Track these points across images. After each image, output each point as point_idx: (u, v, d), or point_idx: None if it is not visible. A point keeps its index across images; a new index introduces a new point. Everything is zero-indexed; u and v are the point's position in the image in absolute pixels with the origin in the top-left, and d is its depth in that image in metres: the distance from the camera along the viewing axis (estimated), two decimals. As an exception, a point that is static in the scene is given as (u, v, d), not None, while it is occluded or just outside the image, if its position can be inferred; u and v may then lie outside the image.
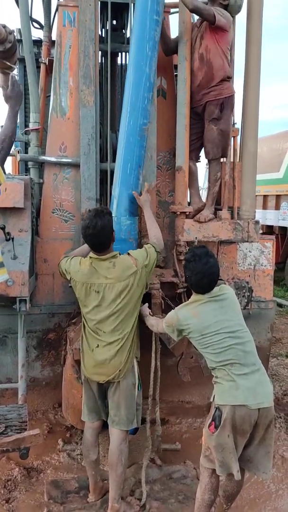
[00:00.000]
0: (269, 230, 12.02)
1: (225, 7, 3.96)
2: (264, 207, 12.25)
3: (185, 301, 4.01)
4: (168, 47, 4.16)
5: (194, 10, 3.81)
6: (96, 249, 3.21)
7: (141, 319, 3.43)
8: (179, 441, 4.10)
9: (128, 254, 3.28)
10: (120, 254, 3.26)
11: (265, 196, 12.23)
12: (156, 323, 3.27)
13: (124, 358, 3.19)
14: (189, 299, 3.07)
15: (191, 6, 3.75)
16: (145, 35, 3.61)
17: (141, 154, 3.71)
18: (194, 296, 3.02)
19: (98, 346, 3.19)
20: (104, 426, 3.44)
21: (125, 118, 3.67)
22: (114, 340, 3.17)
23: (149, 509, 3.28)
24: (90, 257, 3.23)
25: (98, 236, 3.14)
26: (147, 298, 3.77)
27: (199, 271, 2.93)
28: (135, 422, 3.30)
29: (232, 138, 4.43)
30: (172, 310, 3.12)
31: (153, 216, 3.67)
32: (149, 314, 3.49)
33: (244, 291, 3.92)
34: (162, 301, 3.83)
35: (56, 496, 3.39)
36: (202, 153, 4.38)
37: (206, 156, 4.17)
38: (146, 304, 3.59)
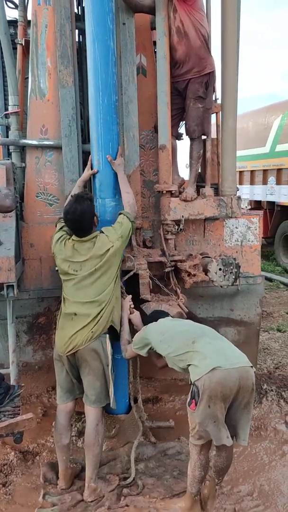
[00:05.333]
0: (257, 205, 12.02)
1: None
2: (252, 182, 12.22)
3: (173, 280, 4.04)
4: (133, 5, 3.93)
5: None
6: (76, 233, 3.34)
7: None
8: (172, 418, 4.13)
9: (102, 232, 3.38)
10: (100, 233, 3.36)
11: (252, 172, 12.19)
12: (124, 348, 3.47)
13: (97, 321, 3.26)
14: None
15: None
16: (105, 7, 3.45)
17: (118, 131, 3.69)
18: None
19: (76, 314, 3.28)
20: None
21: (97, 97, 3.54)
22: (92, 308, 3.27)
23: (143, 486, 3.32)
24: (73, 239, 3.34)
25: (78, 221, 3.28)
26: (134, 278, 3.78)
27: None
28: (112, 401, 3.35)
29: (215, 114, 4.41)
30: None
31: (126, 180, 3.69)
32: (130, 307, 3.57)
33: (231, 267, 3.90)
34: (150, 281, 3.84)
35: (52, 477, 3.43)
36: (182, 130, 4.34)
37: (191, 134, 4.10)
38: (129, 297, 3.63)
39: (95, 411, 3.32)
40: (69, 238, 3.37)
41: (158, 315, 3.46)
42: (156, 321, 3.35)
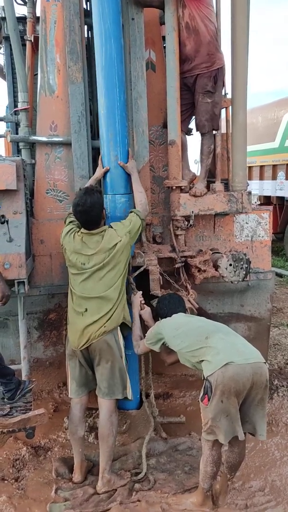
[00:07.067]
0: (266, 200, 11.96)
1: None
2: (261, 177, 12.16)
3: (183, 276, 4.03)
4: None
5: None
6: (86, 226, 3.36)
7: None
8: (183, 413, 4.15)
9: (111, 226, 3.40)
10: (109, 227, 3.38)
11: (261, 167, 12.12)
12: (137, 344, 3.49)
13: (109, 317, 3.29)
14: None
15: None
16: (118, 5, 3.48)
17: (128, 128, 3.74)
18: None
19: (86, 310, 3.30)
20: None
21: (113, 93, 3.55)
22: (102, 303, 3.29)
23: (155, 482, 3.33)
24: (82, 232, 3.37)
25: (88, 213, 3.31)
26: (144, 274, 3.78)
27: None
28: (126, 391, 3.38)
29: (225, 109, 4.38)
30: None
31: (139, 180, 3.72)
32: (141, 303, 3.59)
33: (242, 263, 3.89)
34: (160, 277, 3.83)
35: (63, 472, 3.46)
36: (192, 126, 4.32)
37: (201, 129, 4.08)
38: (140, 293, 3.65)
39: (108, 402, 3.34)
40: (78, 231, 3.41)
41: (174, 303, 3.46)
42: (171, 308, 3.38)
